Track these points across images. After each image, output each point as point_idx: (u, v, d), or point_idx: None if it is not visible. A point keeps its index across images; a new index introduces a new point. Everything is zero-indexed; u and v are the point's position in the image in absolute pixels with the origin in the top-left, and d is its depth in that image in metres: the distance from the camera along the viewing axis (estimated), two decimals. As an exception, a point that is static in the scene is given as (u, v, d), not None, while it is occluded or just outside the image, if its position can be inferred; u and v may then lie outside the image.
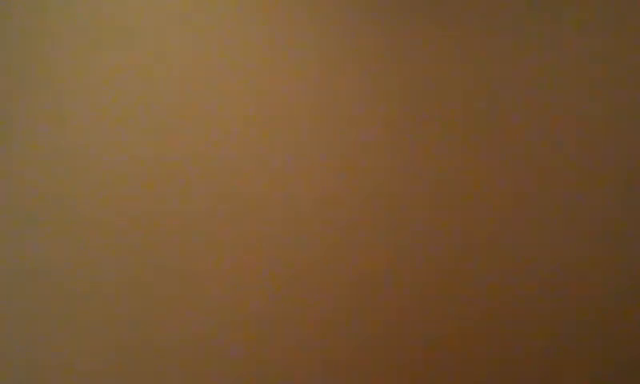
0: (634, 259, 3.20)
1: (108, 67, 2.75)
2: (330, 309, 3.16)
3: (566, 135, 3.32)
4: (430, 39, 3.40)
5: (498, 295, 3.41)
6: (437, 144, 3.40)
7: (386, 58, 3.32)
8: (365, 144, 3.26)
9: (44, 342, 2.61)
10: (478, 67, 3.44)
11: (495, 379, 3.38)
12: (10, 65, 2.58)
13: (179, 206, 2.86)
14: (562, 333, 3.31)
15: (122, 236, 2.75)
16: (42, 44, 2.64)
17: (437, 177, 3.39)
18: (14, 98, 2.58)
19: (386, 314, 3.28)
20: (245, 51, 3.01)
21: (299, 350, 3.08)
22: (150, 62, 2.82)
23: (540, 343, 3.35)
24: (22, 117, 2.60)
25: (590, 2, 3.27)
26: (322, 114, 3.17)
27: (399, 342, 3.30)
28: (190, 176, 2.89)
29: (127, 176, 2.76)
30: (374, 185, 3.27)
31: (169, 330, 2.83)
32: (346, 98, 3.23)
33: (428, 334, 3.36)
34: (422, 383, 3.32)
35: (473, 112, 3.44)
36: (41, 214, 2.62)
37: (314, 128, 3.15)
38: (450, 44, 3.44)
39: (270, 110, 3.05)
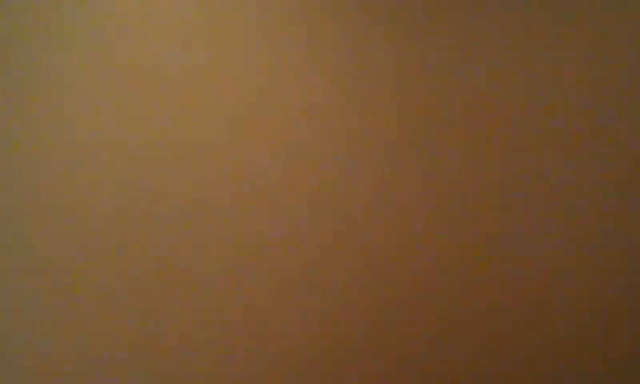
0: (634, 259, 3.20)
1: (108, 67, 2.75)
2: (331, 309, 3.15)
3: (567, 137, 3.32)
4: (432, 42, 3.40)
5: (498, 295, 3.41)
6: (438, 144, 3.40)
7: (387, 58, 3.32)
8: (366, 144, 3.26)
9: (44, 343, 2.61)
10: (479, 70, 3.44)
11: (496, 379, 3.38)
12: (10, 65, 2.58)
13: (179, 206, 2.86)
14: (562, 333, 3.31)
15: (122, 236, 2.75)
16: (42, 44, 2.63)
17: (439, 177, 3.39)
18: (14, 98, 2.58)
19: (386, 314, 3.28)
20: (245, 52, 3.01)
21: (300, 349, 3.08)
22: (151, 62, 2.82)
23: (540, 343, 3.35)
24: (22, 117, 2.59)
25: (593, 4, 3.27)
26: (324, 114, 3.17)
27: (400, 342, 3.30)
28: (190, 175, 2.89)
29: (127, 176, 2.76)
30: (377, 185, 3.27)
31: (170, 329, 2.83)
32: (347, 97, 3.23)
33: (429, 335, 3.36)
34: (423, 382, 3.32)
35: (474, 114, 3.44)
36: (41, 214, 2.61)
37: (315, 129, 3.15)
38: (451, 45, 3.44)
39: (271, 111, 3.05)
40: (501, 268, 3.40)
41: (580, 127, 3.29)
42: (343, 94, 3.21)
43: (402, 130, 3.34)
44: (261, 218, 3.02)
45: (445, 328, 3.38)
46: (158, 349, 2.80)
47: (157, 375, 2.80)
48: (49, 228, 2.63)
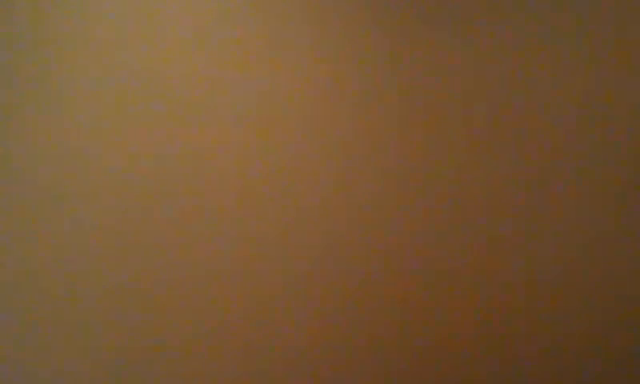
0: (634, 259, 3.19)
1: (108, 67, 2.74)
2: (329, 310, 3.15)
3: (566, 137, 3.32)
4: (430, 41, 3.40)
5: (497, 297, 3.41)
6: (435, 145, 3.40)
7: (387, 59, 3.31)
8: (364, 145, 3.26)
9: (44, 342, 2.61)
10: (478, 70, 3.44)
11: (496, 379, 3.38)
12: (10, 65, 2.58)
13: (179, 206, 2.86)
14: (562, 334, 3.31)
15: (122, 236, 2.75)
16: (42, 44, 2.63)
17: (436, 177, 3.39)
18: (14, 98, 2.58)
19: (385, 315, 3.28)
20: (245, 52, 3.01)
21: (298, 351, 3.08)
22: (150, 62, 2.82)
23: (539, 345, 3.35)
24: (22, 117, 2.59)
25: (590, 3, 3.27)
26: (322, 115, 3.17)
27: (399, 344, 3.30)
28: (190, 176, 2.88)
29: (127, 176, 2.76)
30: (374, 185, 3.27)
31: (171, 330, 2.83)
32: (346, 99, 3.23)
33: (427, 337, 3.36)
34: (423, 381, 3.32)
35: (472, 115, 3.44)
36: (41, 214, 2.61)
37: (313, 129, 3.14)
38: (451, 46, 3.43)
39: (269, 111, 3.05)
40: (501, 268, 3.40)
41: (580, 127, 3.29)
42: (344, 96, 3.21)
43: (402, 130, 3.34)
44: (261, 219, 3.02)
45: (446, 328, 3.38)
46: (160, 349, 2.80)
47: (157, 375, 2.80)
48: (49, 228, 2.63)
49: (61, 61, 2.67)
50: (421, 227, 3.36)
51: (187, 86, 2.89)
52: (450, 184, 3.40)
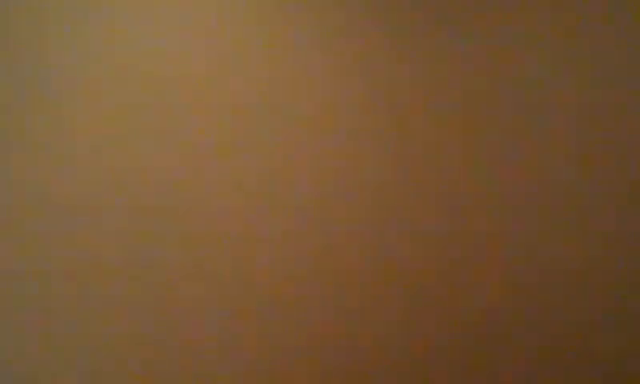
0: (634, 259, 3.19)
1: (108, 67, 2.75)
2: (329, 309, 3.16)
3: (567, 136, 3.32)
4: (430, 41, 3.40)
5: (496, 297, 3.41)
6: (436, 144, 3.40)
7: (387, 59, 3.32)
8: (364, 144, 3.26)
9: (45, 343, 2.61)
10: (479, 69, 3.44)
11: (495, 378, 3.38)
12: (10, 65, 2.58)
13: (180, 206, 2.86)
14: (562, 334, 3.31)
15: (122, 235, 2.75)
16: (42, 44, 2.64)
17: (437, 177, 3.39)
18: (14, 98, 2.58)
19: (385, 315, 3.28)
20: (245, 52, 3.01)
21: (300, 350, 3.08)
22: (150, 62, 2.82)
23: (540, 345, 3.35)
24: (22, 117, 2.59)
25: (591, 3, 3.27)
26: (322, 114, 3.17)
27: (399, 344, 3.30)
28: (190, 175, 2.89)
29: (127, 175, 2.76)
30: (374, 184, 3.27)
31: (171, 330, 2.83)
32: (347, 98, 3.23)
33: (427, 335, 3.36)
34: (421, 380, 3.32)
35: (473, 114, 3.44)
36: (41, 215, 2.61)
37: (313, 128, 3.15)
38: (451, 46, 3.43)
39: (271, 110, 3.05)
40: (501, 268, 3.40)
41: (581, 126, 3.29)
42: (344, 96, 3.21)
43: (403, 130, 3.34)
44: (261, 218, 3.02)
45: (446, 328, 3.38)
46: (160, 349, 2.80)
47: (158, 375, 2.80)
48: (49, 228, 2.63)
49: (61, 61, 2.67)
50: (421, 227, 3.36)
51: (187, 86, 2.89)
52: (450, 183, 3.40)
